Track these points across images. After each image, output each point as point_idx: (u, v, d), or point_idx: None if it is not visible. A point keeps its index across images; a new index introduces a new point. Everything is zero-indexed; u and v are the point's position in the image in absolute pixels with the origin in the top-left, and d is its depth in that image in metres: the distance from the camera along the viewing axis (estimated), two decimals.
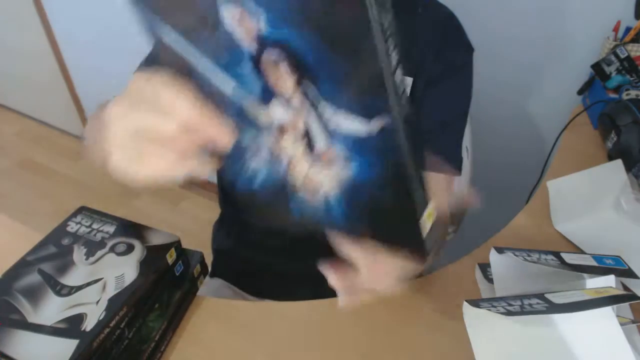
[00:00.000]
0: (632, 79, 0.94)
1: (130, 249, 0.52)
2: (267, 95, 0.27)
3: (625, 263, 0.56)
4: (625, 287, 0.56)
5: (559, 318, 0.47)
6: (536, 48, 1.12)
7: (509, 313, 0.44)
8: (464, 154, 0.73)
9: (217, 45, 0.26)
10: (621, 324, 0.44)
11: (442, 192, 0.69)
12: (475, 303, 0.47)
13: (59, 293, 0.48)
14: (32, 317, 0.46)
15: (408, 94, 0.79)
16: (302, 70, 0.25)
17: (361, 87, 0.24)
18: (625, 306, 0.54)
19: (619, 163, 0.75)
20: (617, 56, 0.94)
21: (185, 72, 0.28)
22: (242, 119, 0.29)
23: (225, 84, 0.27)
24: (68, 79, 2.04)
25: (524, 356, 0.47)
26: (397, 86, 0.24)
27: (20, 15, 1.92)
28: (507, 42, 1.14)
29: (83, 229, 0.55)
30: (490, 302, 0.46)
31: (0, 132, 2.30)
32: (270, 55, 0.25)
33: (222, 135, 0.29)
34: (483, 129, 1.10)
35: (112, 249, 0.52)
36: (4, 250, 0.62)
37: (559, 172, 0.78)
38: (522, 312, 0.44)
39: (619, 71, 0.95)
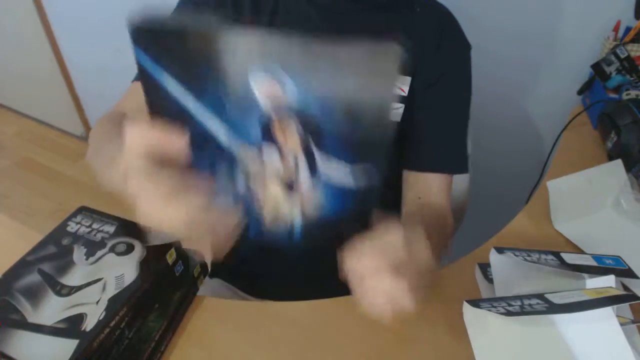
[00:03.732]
0: (632, 79, 0.94)
1: (130, 249, 0.52)
2: (264, 143, 0.29)
3: (625, 263, 0.56)
4: (625, 287, 0.56)
5: (559, 318, 0.47)
6: (536, 48, 1.12)
7: (509, 313, 0.44)
8: None
9: (225, 96, 0.28)
10: (621, 324, 0.44)
11: (447, 192, 0.69)
12: (475, 303, 0.47)
13: (59, 293, 0.48)
14: (32, 317, 0.45)
15: (406, 93, 0.79)
16: (310, 130, 0.27)
17: (362, 150, 0.27)
18: (625, 306, 0.54)
19: (619, 163, 0.75)
20: (617, 56, 0.94)
21: (171, 112, 0.29)
22: (226, 161, 0.31)
23: (220, 130, 0.29)
24: (68, 78, 2.04)
25: (524, 356, 0.47)
26: (390, 149, 0.27)
27: (18, 12, 1.92)
28: (506, 42, 1.14)
29: (83, 229, 0.55)
30: (490, 302, 0.46)
31: (0, 132, 2.30)
32: (284, 116, 0.27)
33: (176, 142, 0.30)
34: (483, 130, 1.10)
35: (112, 249, 0.52)
36: (4, 250, 0.62)
37: (559, 172, 0.78)
38: (522, 312, 0.44)
39: (619, 71, 0.95)
